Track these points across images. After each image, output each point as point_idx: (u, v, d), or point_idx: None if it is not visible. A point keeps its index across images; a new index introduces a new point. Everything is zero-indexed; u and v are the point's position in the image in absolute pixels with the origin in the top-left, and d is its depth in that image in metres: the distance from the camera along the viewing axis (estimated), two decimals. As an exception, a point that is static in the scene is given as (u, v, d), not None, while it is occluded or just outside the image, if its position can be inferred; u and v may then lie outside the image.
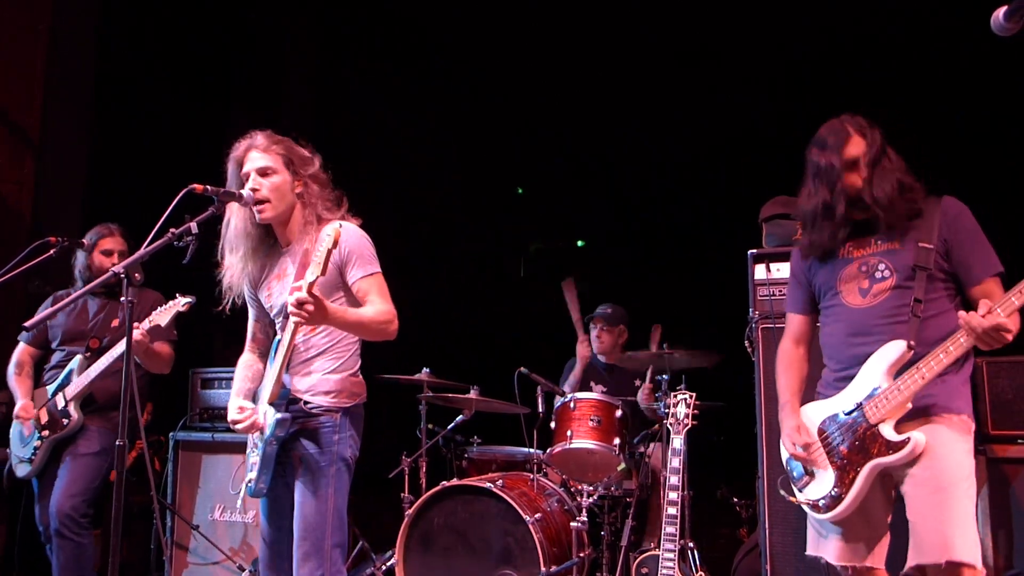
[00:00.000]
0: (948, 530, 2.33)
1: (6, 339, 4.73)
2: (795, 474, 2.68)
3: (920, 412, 2.45)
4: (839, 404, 2.57)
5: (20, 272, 3.41)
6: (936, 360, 2.37)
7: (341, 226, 2.53)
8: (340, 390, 2.72)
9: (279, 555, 2.72)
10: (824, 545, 2.60)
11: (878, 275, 2.56)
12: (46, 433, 3.75)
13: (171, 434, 4.63)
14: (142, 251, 2.37)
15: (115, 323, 3.89)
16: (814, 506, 2.58)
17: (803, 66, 6.13)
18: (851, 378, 2.55)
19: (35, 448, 3.76)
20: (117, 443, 2.25)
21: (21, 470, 3.84)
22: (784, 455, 2.73)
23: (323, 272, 2.44)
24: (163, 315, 3.54)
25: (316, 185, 2.77)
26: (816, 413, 2.65)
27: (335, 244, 2.45)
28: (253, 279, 2.82)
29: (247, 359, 2.90)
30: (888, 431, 2.43)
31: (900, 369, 2.44)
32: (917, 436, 2.40)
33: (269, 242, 2.82)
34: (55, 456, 3.78)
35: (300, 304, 2.40)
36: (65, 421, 3.74)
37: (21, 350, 4.00)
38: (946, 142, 5.63)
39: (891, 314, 2.51)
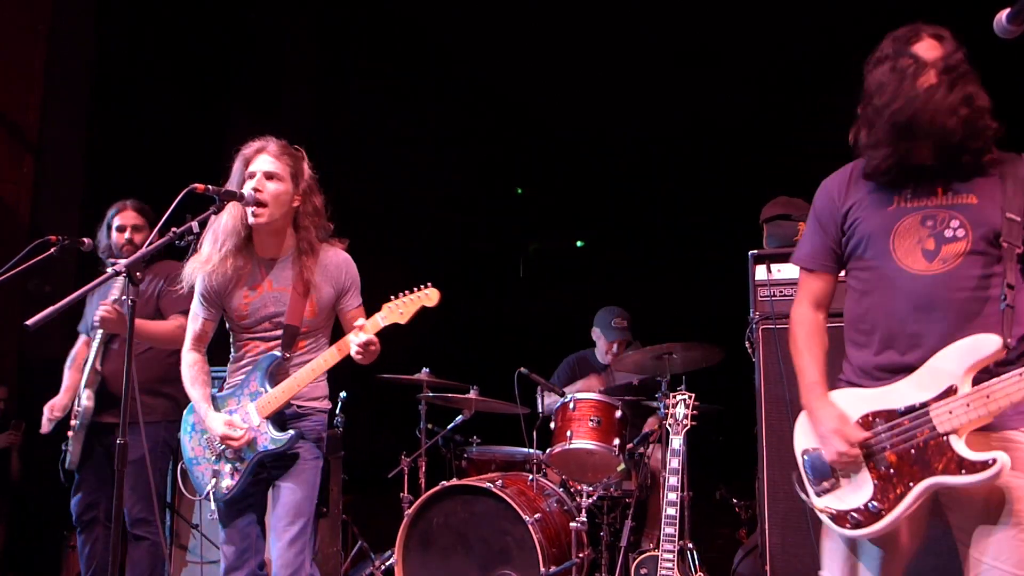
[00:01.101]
0: None
1: (6, 339, 4.74)
2: (814, 475, 2.16)
3: (988, 424, 1.97)
4: (890, 397, 2.05)
5: (20, 271, 3.41)
6: None
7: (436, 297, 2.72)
8: (324, 395, 2.94)
9: (247, 550, 2.83)
10: (852, 568, 2.12)
11: (948, 233, 2.03)
12: (74, 422, 3.73)
13: (170, 433, 4.62)
14: (144, 250, 2.39)
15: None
16: (838, 517, 2.08)
17: (803, 66, 6.13)
18: (905, 367, 2.04)
19: (70, 439, 3.73)
20: (118, 442, 2.26)
21: (67, 461, 3.80)
22: (800, 446, 2.21)
23: (405, 323, 2.66)
24: (115, 291, 3.50)
25: (312, 208, 2.86)
26: (852, 404, 2.11)
27: (435, 306, 2.67)
28: (222, 280, 2.83)
29: (194, 359, 2.94)
30: (961, 446, 1.93)
31: (983, 371, 1.96)
32: (1003, 458, 1.87)
33: (249, 248, 2.86)
34: (92, 448, 3.73)
35: (367, 345, 2.63)
36: (78, 409, 3.66)
37: (80, 342, 3.96)
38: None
39: (967, 286, 2.00)
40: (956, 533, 2.04)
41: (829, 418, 2.10)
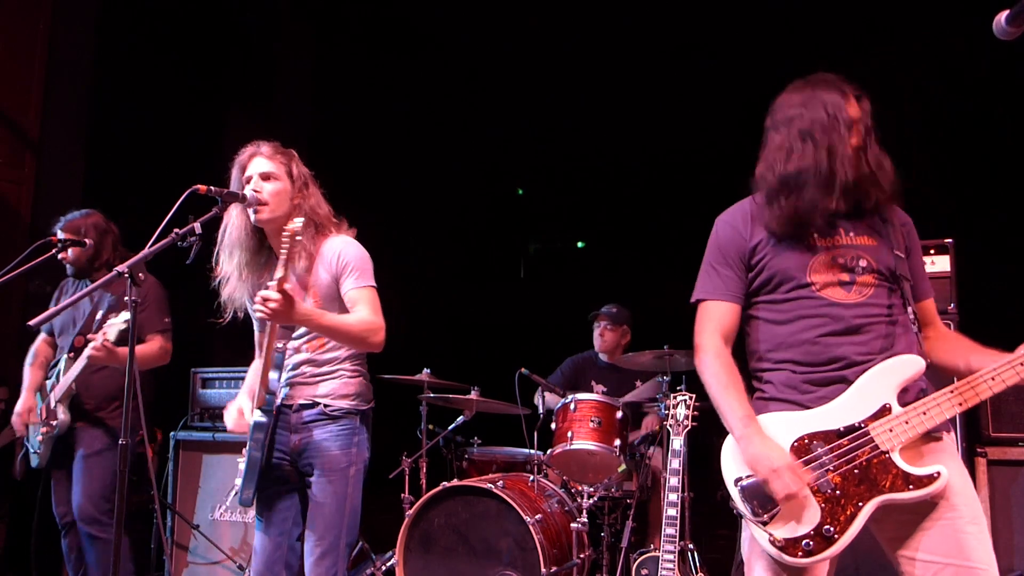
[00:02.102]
0: (986, 569, 1.97)
1: (6, 339, 4.74)
2: (754, 504, 2.08)
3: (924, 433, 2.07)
4: (824, 419, 2.09)
5: (21, 272, 3.41)
6: (981, 386, 2.00)
7: (301, 222, 2.56)
8: (359, 393, 2.82)
9: (276, 563, 2.74)
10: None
11: (858, 270, 2.17)
12: (45, 430, 3.75)
13: (172, 434, 4.63)
14: (146, 251, 2.38)
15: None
16: (788, 547, 2.02)
17: (804, 66, 6.11)
18: (829, 382, 2.11)
19: (39, 443, 3.76)
20: (120, 442, 2.26)
21: (33, 460, 3.83)
22: (733, 476, 2.14)
23: (284, 266, 2.48)
24: (112, 330, 3.52)
25: (312, 203, 2.83)
26: (785, 430, 2.12)
27: (293, 236, 2.49)
28: (251, 290, 2.83)
29: (255, 366, 2.94)
30: (902, 461, 2.01)
31: (905, 389, 2.08)
32: (945, 471, 1.99)
33: (265, 253, 2.85)
34: (63, 451, 3.77)
35: (265, 300, 2.44)
36: (54, 422, 3.72)
37: (40, 339, 4.00)
38: (947, 146, 5.65)
39: (882, 313, 2.14)
40: (887, 544, 2.09)
41: (779, 456, 2.06)
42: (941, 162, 5.52)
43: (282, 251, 2.50)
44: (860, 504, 2.01)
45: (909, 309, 2.18)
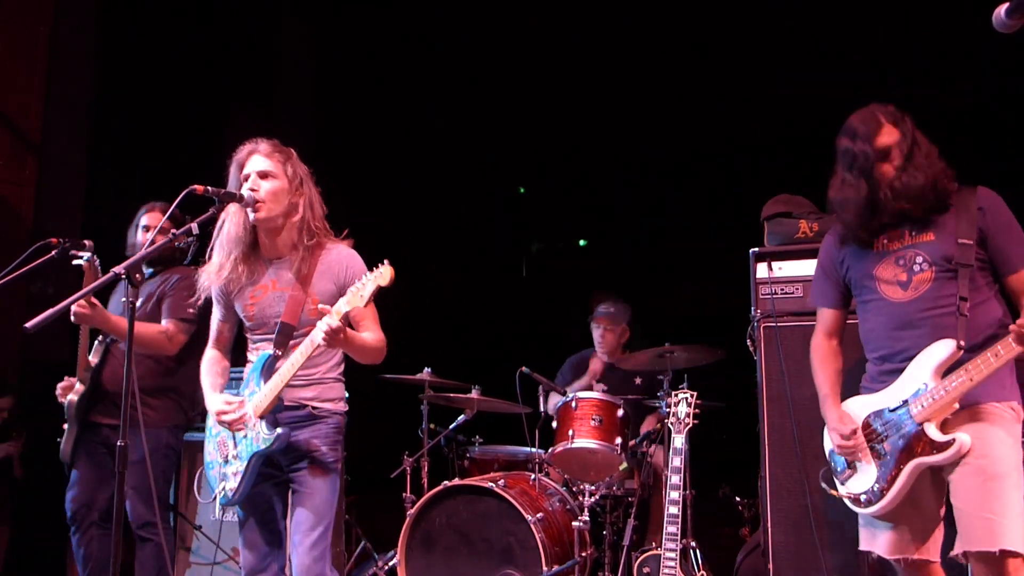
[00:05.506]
0: (998, 519, 2.35)
1: (7, 340, 4.74)
2: (838, 468, 2.71)
3: (966, 402, 2.45)
4: (885, 400, 2.58)
5: (21, 274, 3.41)
6: (985, 362, 2.36)
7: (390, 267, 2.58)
8: (341, 397, 2.92)
9: (269, 555, 2.82)
10: (875, 539, 2.61)
11: (916, 268, 2.57)
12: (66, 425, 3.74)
13: (173, 435, 4.62)
14: (143, 251, 2.39)
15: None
16: (855, 500, 2.62)
17: (803, 65, 6.12)
18: (897, 372, 2.55)
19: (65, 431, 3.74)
20: (119, 443, 2.25)
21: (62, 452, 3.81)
22: (827, 447, 2.76)
23: (365, 305, 2.55)
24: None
25: (310, 202, 2.85)
26: (860, 407, 2.66)
27: (389, 283, 2.53)
28: (230, 284, 2.86)
29: (213, 355, 3.00)
30: (933, 431, 2.44)
31: (948, 368, 2.45)
32: (962, 438, 2.41)
33: (256, 252, 2.87)
34: (88, 445, 3.72)
35: (334, 332, 2.54)
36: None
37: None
38: (949, 145, 5.63)
39: (934, 305, 2.52)
40: (951, 487, 2.48)
41: (830, 419, 2.72)
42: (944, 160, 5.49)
43: (358, 287, 2.53)
44: (901, 467, 2.49)
45: (962, 293, 2.47)
